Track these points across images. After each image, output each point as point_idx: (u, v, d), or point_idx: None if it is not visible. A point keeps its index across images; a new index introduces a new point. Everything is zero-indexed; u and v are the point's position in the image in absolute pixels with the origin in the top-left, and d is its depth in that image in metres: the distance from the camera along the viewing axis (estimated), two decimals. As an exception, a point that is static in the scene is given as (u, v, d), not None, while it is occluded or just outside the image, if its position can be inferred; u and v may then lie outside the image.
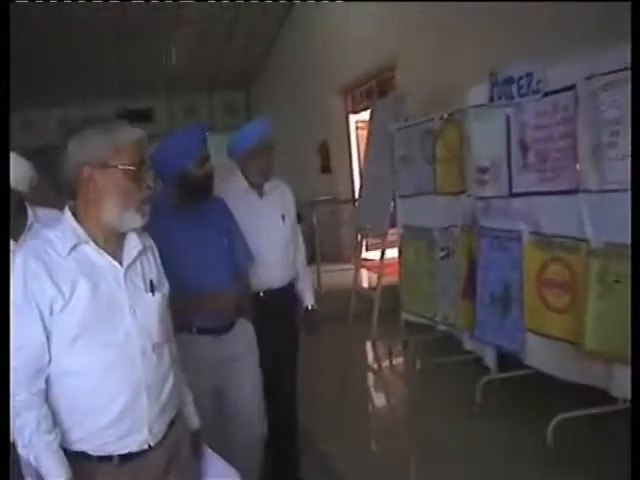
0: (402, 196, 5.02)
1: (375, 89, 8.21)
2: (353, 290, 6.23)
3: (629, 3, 1.92)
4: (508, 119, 3.57)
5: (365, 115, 7.53)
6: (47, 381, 1.51)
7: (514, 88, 3.48)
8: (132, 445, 1.56)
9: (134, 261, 1.61)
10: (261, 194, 2.83)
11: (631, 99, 2.24)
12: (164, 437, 1.63)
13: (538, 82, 3.34)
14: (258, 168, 2.77)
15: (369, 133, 6.29)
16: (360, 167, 8.20)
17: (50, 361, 1.50)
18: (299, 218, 3.08)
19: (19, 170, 2.11)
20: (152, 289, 1.63)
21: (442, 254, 4.40)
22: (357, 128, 9.10)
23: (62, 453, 1.49)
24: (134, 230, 1.62)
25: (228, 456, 1.89)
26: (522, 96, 3.44)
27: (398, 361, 5.10)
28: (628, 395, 2.47)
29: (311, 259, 5.00)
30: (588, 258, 3.05)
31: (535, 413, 3.42)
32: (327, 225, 8.18)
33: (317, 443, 3.46)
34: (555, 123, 3.25)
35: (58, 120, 10.51)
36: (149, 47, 10.04)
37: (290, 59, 10.59)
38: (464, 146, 4.03)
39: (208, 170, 2.35)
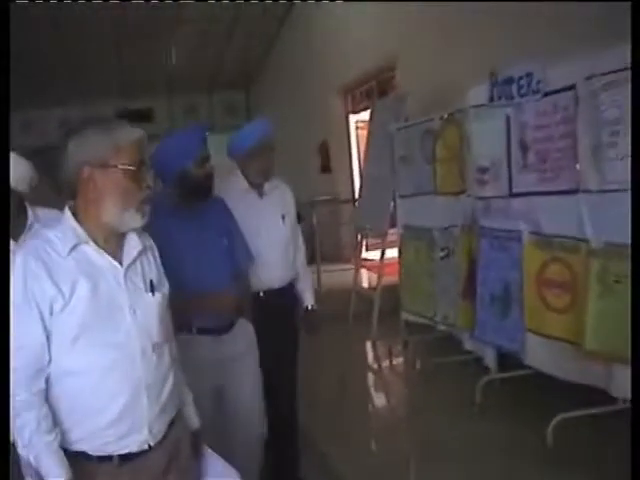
0: (402, 196, 5.01)
1: (375, 89, 8.21)
2: (353, 290, 6.23)
3: (629, 3, 1.92)
4: (508, 119, 3.57)
5: (365, 115, 7.53)
6: (47, 381, 1.51)
7: (514, 88, 3.48)
8: (132, 445, 1.56)
9: (134, 261, 1.61)
10: (261, 194, 2.83)
11: (631, 99, 2.24)
12: (164, 437, 1.63)
13: (538, 82, 3.34)
14: (258, 168, 2.77)
15: (369, 133, 6.29)
16: (360, 167, 8.19)
17: (50, 361, 1.50)
18: (299, 218, 3.08)
19: (19, 170, 2.11)
20: (152, 289, 1.63)
21: (442, 254, 4.39)
22: (357, 128, 9.10)
23: (62, 453, 1.49)
24: (134, 230, 1.62)
25: (228, 456, 1.89)
26: (522, 96, 3.44)
27: (398, 361, 5.09)
28: (628, 395, 2.47)
29: (311, 259, 5.00)
30: (588, 258, 3.05)
31: (535, 413, 3.42)
32: (327, 225, 8.18)
33: (317, 443, 3.45)
34: (555, 123, 3.25)
35: (58, 120, 10.52)
36: (149, 47, 10.04)
37: (290, 59, 10.59)
38: (464, 146, 4.03)
39: (208, 170, 2.35)
